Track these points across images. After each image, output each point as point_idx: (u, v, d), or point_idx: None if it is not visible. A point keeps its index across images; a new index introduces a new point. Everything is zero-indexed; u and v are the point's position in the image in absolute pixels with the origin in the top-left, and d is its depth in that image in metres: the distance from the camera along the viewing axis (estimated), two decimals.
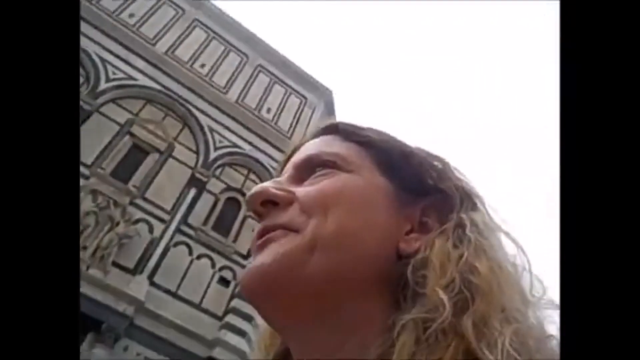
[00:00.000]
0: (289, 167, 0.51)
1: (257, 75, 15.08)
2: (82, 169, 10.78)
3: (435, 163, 0.50)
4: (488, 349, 0.34)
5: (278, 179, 0.49)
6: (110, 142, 11.66)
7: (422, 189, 0.47)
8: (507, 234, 0.45)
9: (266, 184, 0.46)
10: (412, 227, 0.45)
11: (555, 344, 0.37)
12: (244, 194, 12.92)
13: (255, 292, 0.41)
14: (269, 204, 0.45)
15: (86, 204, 10.47)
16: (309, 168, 0.48)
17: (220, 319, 10.69)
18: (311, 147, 0.50)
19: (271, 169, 13.58)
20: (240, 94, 14.33)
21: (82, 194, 10.49)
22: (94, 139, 11.10)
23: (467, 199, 0.47)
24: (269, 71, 15.34)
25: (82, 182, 10.67)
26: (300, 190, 0.46)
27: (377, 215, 0.44)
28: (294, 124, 14.92)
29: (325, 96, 15.96)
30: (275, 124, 14.60)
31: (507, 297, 0.38)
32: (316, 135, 0.53)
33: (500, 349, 0.33)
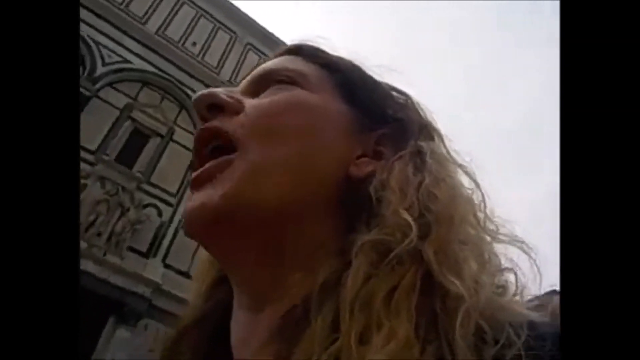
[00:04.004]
0: (244, 82, 0.48)
1: (246, 54, 15.21)
2: (87, 155, 10.98)
3: (399, 96, 0.49)
4: (452, 275, 0.33)
5: (232, 88, 0.47)
6: (111, 128, 11.80)
7: (380, 117, 0.46)
8: (463, 168, 0.44)
9: (216, 89, 0.44)
10: (364, 153, 0.44)
11: (508, 276, 0.37)
12: None
13: (200, 234, 0.40)
14: (215, 109, 0.43)
15: (96, 191, 10.74)
16: (265, 82, 0.46)
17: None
18: (270, 64, 0.48)
19: None
20: (232, 73, 14.49)
21: (90, 182, 10.76)
22: (95, 124, 11.22)
23: (425, 131, 0.46)
24: (258, 50, 15.46)
25: (88, 169, 10.90)
26: (251, 101, 0.43)
27: (329, 137, 0.43)
28: None
29: None
30: None
31: (466, 228, 0.38)
32: (278, 55, 0.51)
33: (469, 276, 0.33)
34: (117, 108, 12.08)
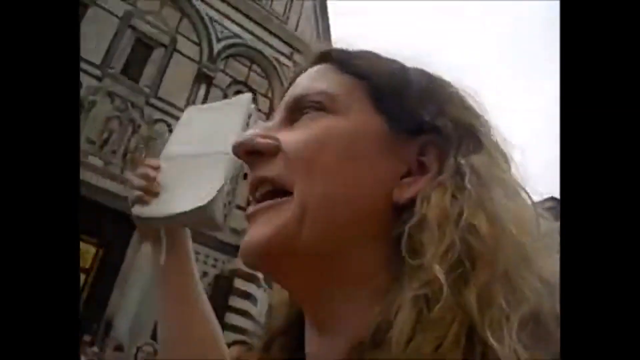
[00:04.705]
0: (282, 106, 0.47)
1: None
2: (92, 69, 10.59)
3: (436, 90, 0.45)
4: (492, 332, 0.31)
5: (268, 123, 0.47)
6: (113, 39, 11.24)
7: (419, 125, 0.42)
8: (516, 184, 0.41)
9: (254, 131, 0.45)
10: (409, 169, 0.42)
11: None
12: (248, 87, 13.17)
13: (254, 265, 0.42)
14: (254, 153, 0.44)
15: (106, 107, 10.56)
16: (297, 109, 0.45)
17: (244, 209, 11.77)
18: (302, 84, 0.47)
19: (273, 60, 13.64)
20: None
21: (99, 97, 10.51)
22: (95, 35, 10.67)
23: (468, 138, 0.42)
24: None
25: (96, 83, 10.58)
26: (285, 138, 0.43)
27: (368, 163, 0.41)
28: (287, 7, 14.57)
29: None
30: (270, 7, 14.20)
31: (511, 262, 0.35)
32: (311, 63, 0.49)
33: (508, 340, 0.31)
34: (117, 16, 11.41)
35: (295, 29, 14.50)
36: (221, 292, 10.72)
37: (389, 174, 0.41)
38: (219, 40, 12.80)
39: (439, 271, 0.34)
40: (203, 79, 12.32)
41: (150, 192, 0.72)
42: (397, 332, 0.33)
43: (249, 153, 0.44)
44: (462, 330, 0.32)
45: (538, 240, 0.37)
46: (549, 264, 0.35)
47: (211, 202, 0.66)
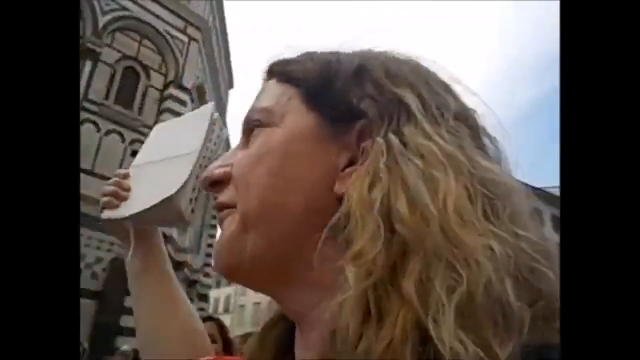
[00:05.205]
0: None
1: None
2: None
3: (363, 70, 0.43)
4: (434, 322, 0.29)
5: (231, 150, 0.48)
6: None
7: (350, 111, 0.41)
8: (451, 149, 0.37)
9: (216, 162, 0.47)
10: (352, 159, 0.40)
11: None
12: (139, 62, 12.64)
13: (222, 274, 0.44)
14: (215, 184, 0.45)
15: None
16: (248, 130, 0.46)
17: None
18: (250, 105, 0.47)
19: (166, 34, 13.14)
20: None
21: None
22: None
23: (397, 111, 0.40)
24: None
25: None
26: (235, 162, 0.45)
27: (306, 163, 0.41)
28: None
29: None
30: None
31: (440, 245, 0.32)
32: (264, 82, 0.49)
33: (447, 331, 0.29)
34: None
35: (188, 1, 14.03)
36: (118, 275, 10.54)
37: (329, 168, 0.41)
38: (104, 12, 12.06)
39: (349, 270, 0.33)
40: (88, 54, 11.59)
41: (120, 196, 0.76)
42: (341, 336, 0.32)
43: (211, 185, 0.46)
44: (409, 324, 0.30)
45: (467, 214, 0.34)
46: (474, 239, 0.32)
47: (176, 194, 0.69)
